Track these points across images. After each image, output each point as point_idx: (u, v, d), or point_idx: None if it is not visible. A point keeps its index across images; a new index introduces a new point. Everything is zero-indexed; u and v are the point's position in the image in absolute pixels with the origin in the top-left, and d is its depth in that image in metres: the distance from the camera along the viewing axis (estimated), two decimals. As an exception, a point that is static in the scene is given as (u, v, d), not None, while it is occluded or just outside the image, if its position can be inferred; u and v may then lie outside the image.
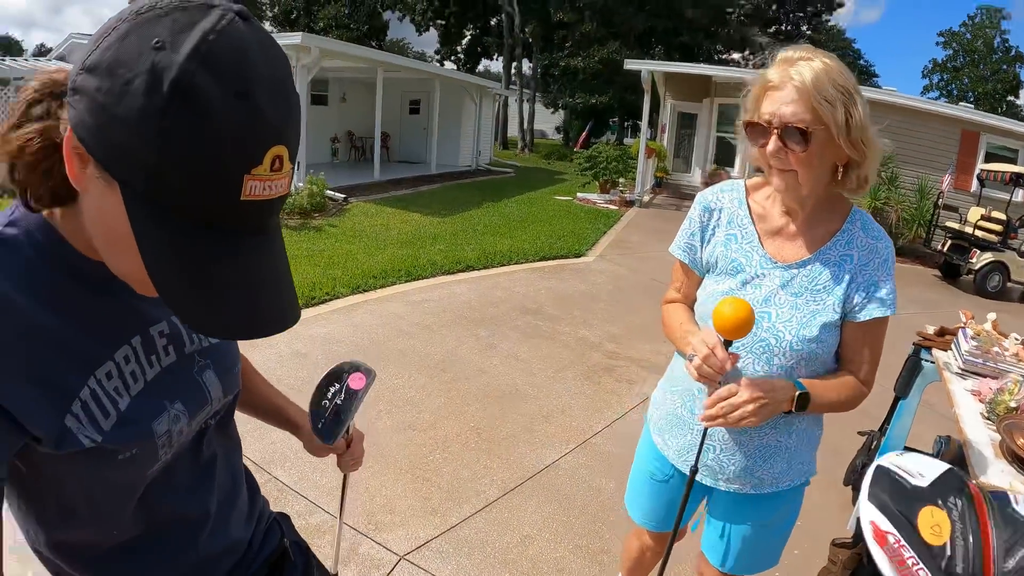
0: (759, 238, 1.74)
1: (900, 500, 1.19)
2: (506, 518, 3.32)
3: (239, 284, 0.73)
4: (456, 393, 4.74)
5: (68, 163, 0.71)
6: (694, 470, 1.69)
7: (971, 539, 1.18)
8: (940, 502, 1.24)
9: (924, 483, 1.25)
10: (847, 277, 1.64)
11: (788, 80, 1.51)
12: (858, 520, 2.21)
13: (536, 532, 3.23)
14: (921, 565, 1.14)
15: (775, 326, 1.66)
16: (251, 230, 0.73)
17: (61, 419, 0.81)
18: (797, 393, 1.60)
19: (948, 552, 1.16)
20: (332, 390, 1.25)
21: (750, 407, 1.55)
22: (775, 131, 1.53)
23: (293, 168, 0.74)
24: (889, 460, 1.29)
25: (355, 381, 1.25)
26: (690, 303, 1.91)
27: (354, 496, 3.35)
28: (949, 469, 1.27)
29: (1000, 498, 1.26)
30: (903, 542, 1.16)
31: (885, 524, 1.19)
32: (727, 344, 1.54)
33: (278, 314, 0.77)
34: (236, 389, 1.12)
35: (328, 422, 1.24)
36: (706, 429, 1.67)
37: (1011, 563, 1.16)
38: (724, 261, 1.76)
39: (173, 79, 0.63)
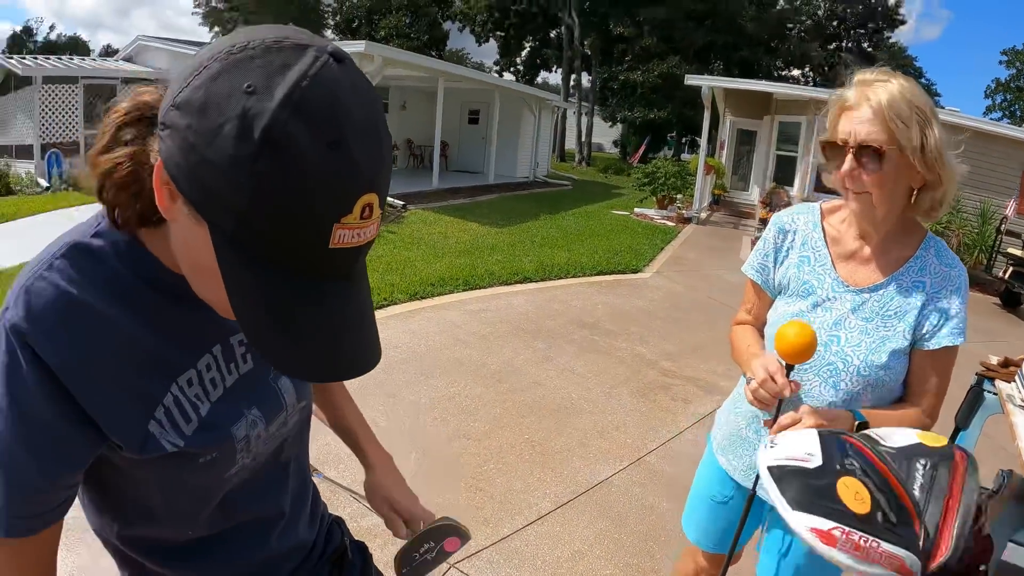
0: (832, 261, 1.73)
1: (815, 491, 1.18)
2: (557, 532, 3.32)
3: (323, 328, 0.72)
4: (512, 404, 4.76)
5: (158, 194, 0.71)
6: (753, 492, 1.68)
7: (881, 484, 1.18)
8: (841, 468, 1.21)
9: (819, 460, 1.22)
10: (919, 304, 1.63)
11: (864, 100, 1.52)
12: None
13: (587, 548, 3.22)
14: (871, 537, 1.13)
15: (843, 350, 1.65)
16: (338, 276, 0.72)
17: (145, 425, 0.85)
18: (856, 423, 1.59)
19: (877, 510, 1.15)
20: (427, 546, 1.25)
21: (811, 421, 1.53)
22: (850, 150, 1.54)
23: (383, 212, 0.73)
24: (771, 457, 1.26)
25: (450, 544, 1.25)
26: (760, 325, 1.91)
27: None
28: (820, 435, 1.25)
29: (869, 439, 1.25)
30: (847, 528, 1.13)
31: (824, 523, 1.16)
32: (789, 368, 1.54)
33: (359, 357, 0.76)
34: (310, 395, 1.14)
35: (411, 571, 1.26)
36: None
37: (916, 490, 1.16)
38: (796, 283, 1.76)
39: (264, 127, 0.61)
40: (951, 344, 1.61)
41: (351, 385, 4.53)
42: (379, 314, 6.40)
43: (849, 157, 1.54)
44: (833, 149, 1.59)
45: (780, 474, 1.23)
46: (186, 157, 0.65)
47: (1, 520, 0.80)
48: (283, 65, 0.64)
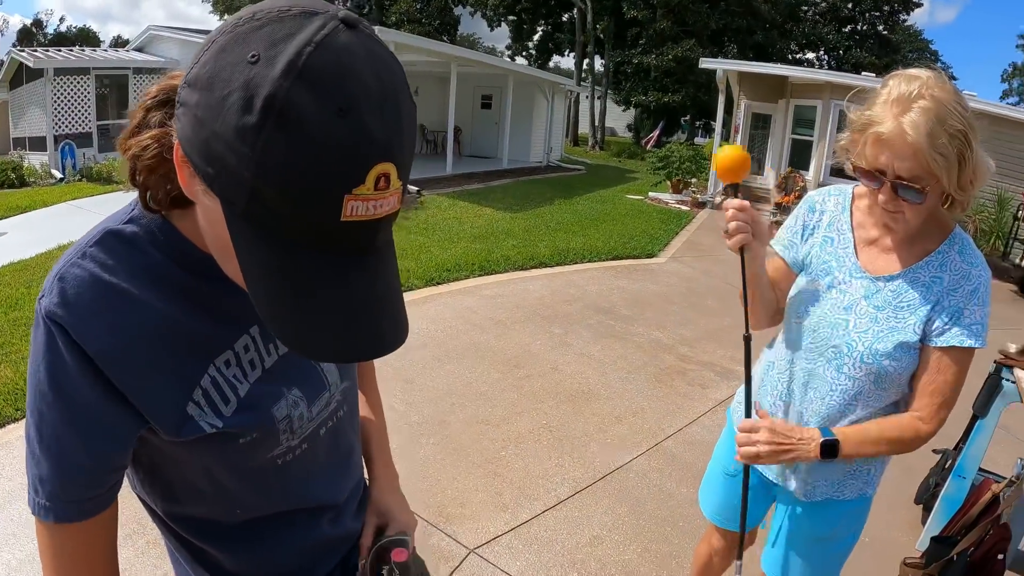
0: (854, 245, 1.72)
1: None
2: (576, 517, 3.33)
3: (341, 306, 0.70)
4: (529, 389, 4.76)
5: (179, 173, 0.71)
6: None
7: None
8: None
9: None
10: (933, 299, 1.59)
11: (901, 134, 1.42)
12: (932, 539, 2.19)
13: (605, 533, 3.23)
14: None
15: (849, 334, 1.65)
16: (356, 250, 0.70)
17: (184, 407, 0.85)
18: (822, 440, 1.61)
19: None
20: (386, 568, 1.20)
21: (764, 449, 1.64)
22: (888, 183, 1.49)
23: (405, 183, 0.70)
24: None
25: (398, 555, 1.20)
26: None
27: (425, 486, 3.41)
28: None
29: None
30: None
31: None
32: (732, 189, 1.64)
33: (381, 338, 0.74)
34: (354, 375, 1.13)
35: None
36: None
37: None
38: (817, 261, 1.76)
39: (267, 96, 0.60)
40: (961, 344, 1.56)
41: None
42: (395, 300, 6.41)
43: (887, 189, 1.50)
44: (867, 175, 1.53)
45: None
46: (197, 133, 0.64)
47: (55, 505, 0.82)
48: (288, 33, 0.62)
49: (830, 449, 1.61)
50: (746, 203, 1.63)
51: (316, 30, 0.62)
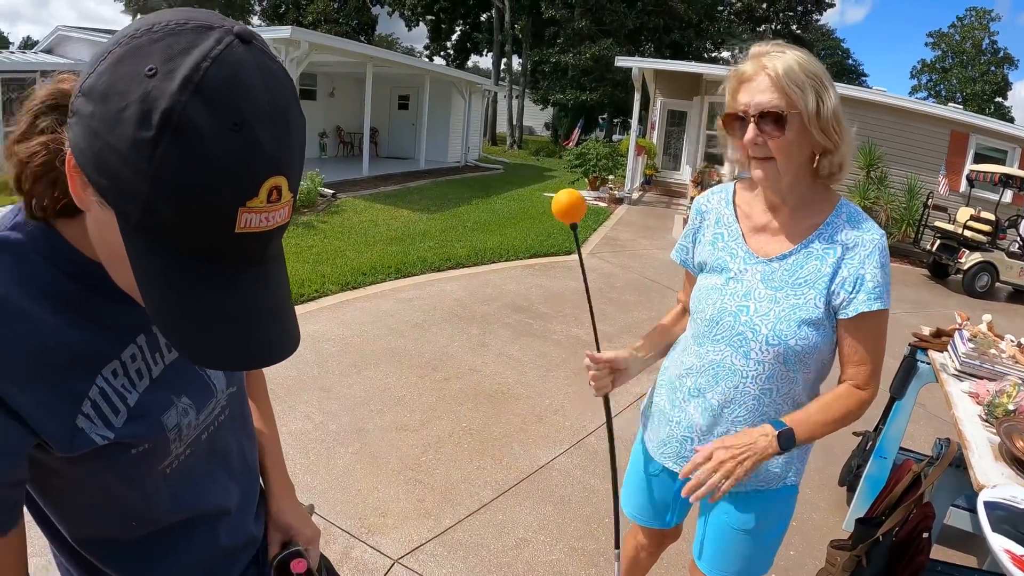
0: (743, 235, 1.76)
1: (1016, 523, 1.42)
2: (501, 520, 3.29)
3: (234, 316, 0.72)
4: (448, 392, 4.70)
5: (71, 182, 0.70)
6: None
7: None
8: None
9: None
10: (829, 271, 1.61)
11: (761, 70, 1.56)
12: (857, 520, 2.22)
13: (531, 535, 3.20)
14: None
15: (752, 319, 1.66)
16: (248, 262, 0.72)
17: (73, 420, 0.82)
18: (777, 432, 1.59)
19: None
20: None
21: (729, 464, 1.57)
22: (752, 119, 1.56)
23: (295, 196, 0.73)
24: (990, 495, 1.55)
25: (298, 566, 1.21)
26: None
27: (345, 497, 3.32)
28: None
29: None
30: None
31: (1019, 548, 1.41)
32: (573, 227, 1.76)
33: (271, 345, 0.76)
34: (241, 381, 1.13)
35: None
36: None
37: None
38: (712, 259, 1.80)
39: (164, 110, 0.61)
40: (869, 310, 1.58)
41: (283, 381, 4.40)
42: (311, 306, 6.28)
43: (751, 126, 1.56)
44: (734, 120, 1.62)
45: (993, 508, 1.51)
46: (91, 144, 0.65)
47: None
48: (185, 47, 0.63)
49: (787, 438, 1.59)
50: (599, 355, 1.83)
51: (213, 45, 0.64)
